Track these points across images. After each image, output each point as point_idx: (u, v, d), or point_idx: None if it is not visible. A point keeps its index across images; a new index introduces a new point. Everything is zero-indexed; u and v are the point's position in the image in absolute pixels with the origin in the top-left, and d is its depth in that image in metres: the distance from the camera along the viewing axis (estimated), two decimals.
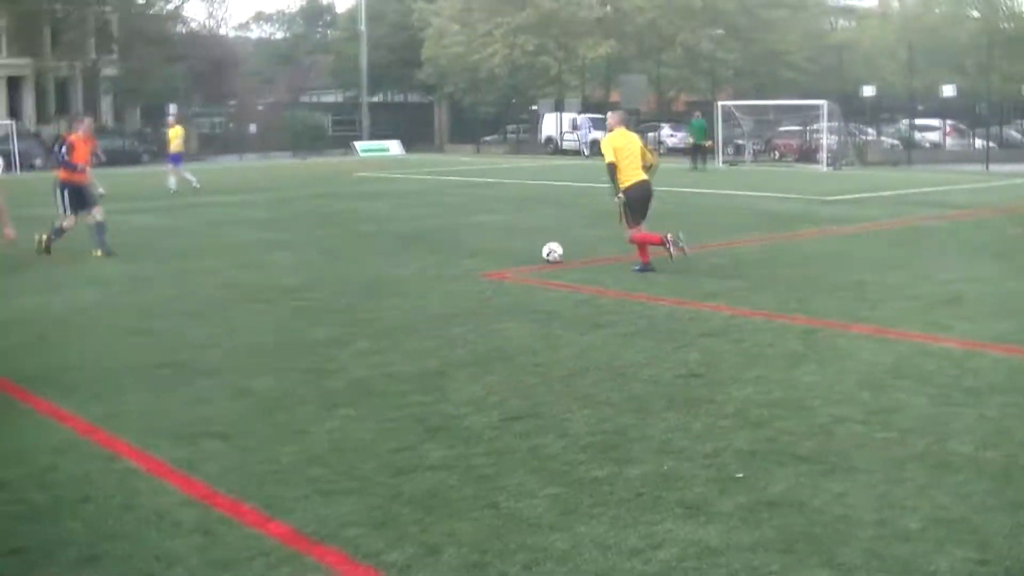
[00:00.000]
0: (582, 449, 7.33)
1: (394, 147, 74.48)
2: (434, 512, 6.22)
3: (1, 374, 9.85)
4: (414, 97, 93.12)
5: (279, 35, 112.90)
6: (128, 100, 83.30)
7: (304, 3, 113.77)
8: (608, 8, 73.61)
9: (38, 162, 63.04)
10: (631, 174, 15.54)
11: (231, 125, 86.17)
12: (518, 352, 10.37)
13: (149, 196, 33.32)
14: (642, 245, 15.67)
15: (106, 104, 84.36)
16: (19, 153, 61.21)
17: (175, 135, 35.88)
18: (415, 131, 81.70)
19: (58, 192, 18.87)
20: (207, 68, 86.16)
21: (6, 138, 65.05)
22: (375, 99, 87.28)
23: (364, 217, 25.07)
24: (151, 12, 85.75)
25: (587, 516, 6.12)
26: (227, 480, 6.82)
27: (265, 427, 7.98)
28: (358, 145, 75.18)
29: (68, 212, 18.77)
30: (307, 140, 77.42)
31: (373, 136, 77.94)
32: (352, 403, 8.59)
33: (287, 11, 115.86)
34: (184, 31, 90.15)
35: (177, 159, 35.76)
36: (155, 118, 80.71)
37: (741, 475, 6.76)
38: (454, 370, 9.67)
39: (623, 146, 15.61)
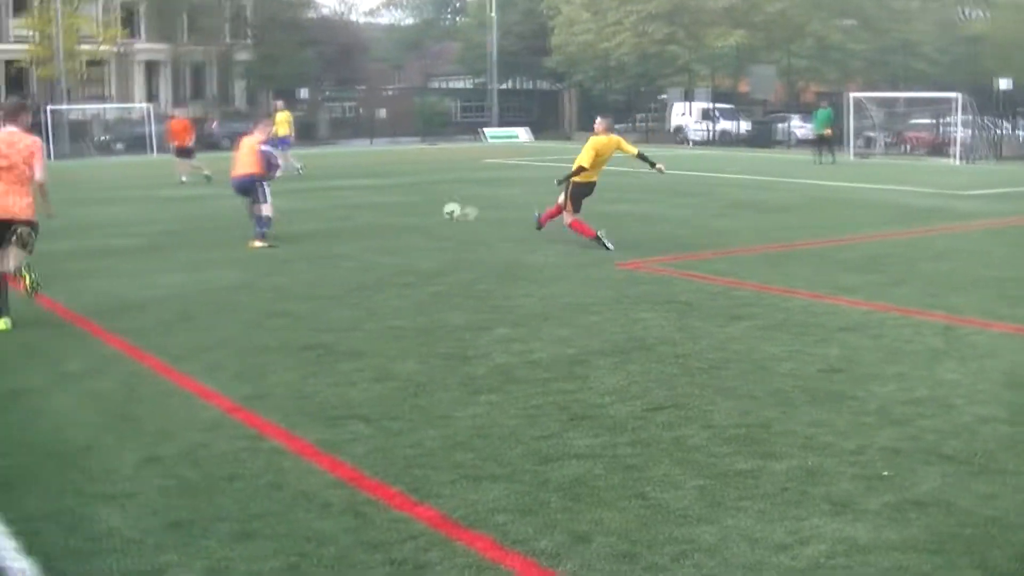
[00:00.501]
0: (726, 441, 7.28)
1: (523, 134, 74.62)
2: (581, 500, 6.21)
3: (148, 350, 10.08)
4: (543, 84, 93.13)
5: (408, 21, 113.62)
6: (261, 84, 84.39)
7: None
8: None
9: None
10: (592, 174, 17.49)
11: (361, 110, 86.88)
12: (657, 342, 10.33)
13: (280, 179, 33.71)
14: (579, 232, 17.28)
15: (239, 88, 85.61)
16: (155, 136, 62.21)
17: (283, 120, 36.11)
18: (543, 118, 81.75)
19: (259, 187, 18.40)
20: (338, 53, 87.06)
21: (143, 121, 66.37)
22: (504, 86, 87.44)
23: (495, 203, 25.12)
24: None
25: (734, 509, 6.08)
26: (373, 463, 6.89)
27: (409, 411, 8.04)
28: (487, 131, 75.41)
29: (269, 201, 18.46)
30: (436, 126, 77.85)
31: (501, 123, 78.13)
32: (494, 389, 8.62)
33: None
34: (316, 17, 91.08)
35: (285, 143, 36.01)
36: (289, 103, 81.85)
37: (887, 473, 6.66)
38: (594, 358, 9.65)
39: (601, 151, 17.32)
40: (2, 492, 6.45)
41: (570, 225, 17.49)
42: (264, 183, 18.31)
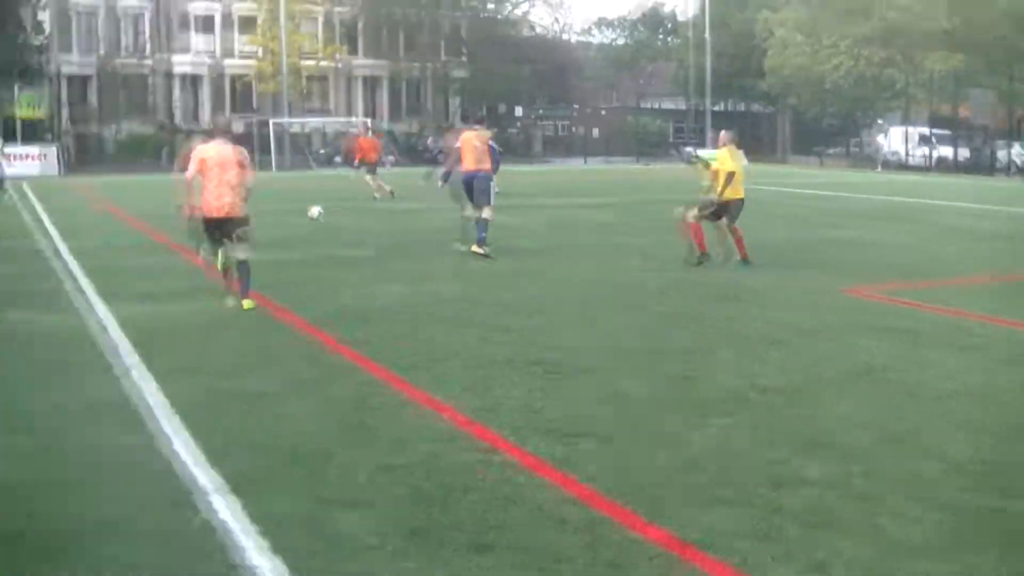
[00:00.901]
0: (963, 476, 7.07)
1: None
2: (817, 529, 6.12)
3: (378, 361, 10.29)
4: (755, 107, 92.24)
5: (620, 41, 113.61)
6: (475, 101, 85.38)
7: (646, 10, 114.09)
8: (957, 20, 71.09)
9: (391, 158, 65.22)
10: (739, 189, 17.62)
11: (574, 128, 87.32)
12: (885, 370, 10.11)
13: (506, 194, 34.09)
14: (695, 235, 17.52)
15: (454, 105, 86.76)
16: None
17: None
18: (756, 141, 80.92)
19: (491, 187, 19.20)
20: (551, 72, 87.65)
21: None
22: (716, 107, 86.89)
23: (710, 225, 24.93)
24: (500, 17, 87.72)
25: (974, 547, 5.91)
26: (606, 481, 6.89)
27: (639, 431, 8.04)
28: (701, 153, 74.96)
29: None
30: (649, 146, 77.76)
31: (712, 145, 77.60)
32: (724, 412, 8.54)
33: (628, 17, 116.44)
34: (530, 35, 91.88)
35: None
36: (501, 119, 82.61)
37: None
38: (823, 385, 9.51)
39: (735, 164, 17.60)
40: (248, 492, 6.64)
41: (690, 229, 17.63)
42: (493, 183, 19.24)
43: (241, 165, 13.51)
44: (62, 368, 10.21)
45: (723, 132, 18.28)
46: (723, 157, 17.66)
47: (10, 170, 51.72)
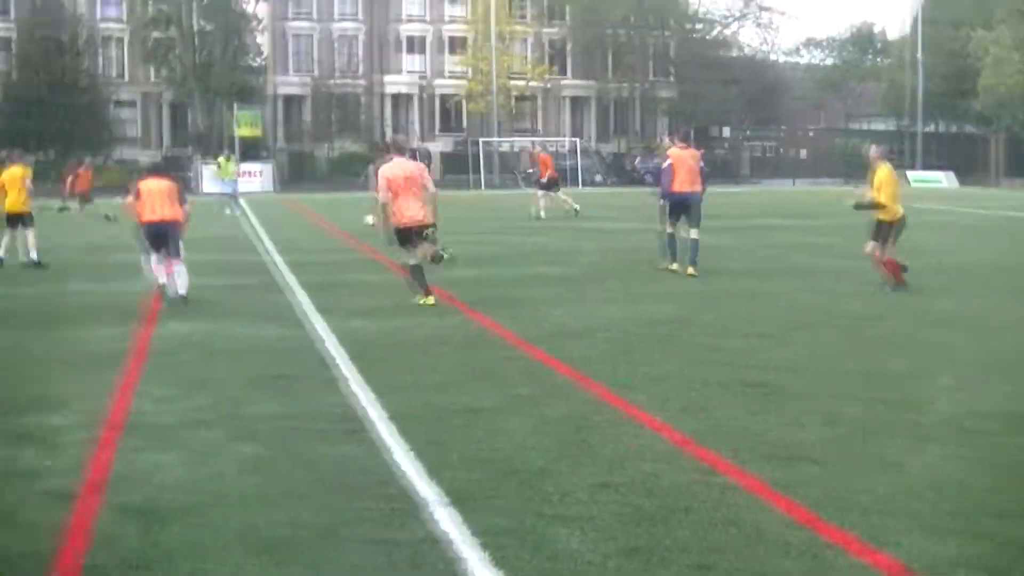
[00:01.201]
0: None
1: (946, 179, 72.24)
2: None
3: (595, 379, 10.31)
4: (967, 128, 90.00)
5: (828, 61, 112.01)
6: (681, 121, 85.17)
7: (854, 29, 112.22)
8: None
9: (598, 178, 65.56)
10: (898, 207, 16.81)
11: (781, 150, 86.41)
12: None
13: (714, 216, 33.97)
14: (886, 269, 16.73)
15: (661, 125, 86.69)
16: (581, 169, 63.80)
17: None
18: (967, 163, 78.98)
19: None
20: (758, 92, 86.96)
21: (567, 155, 68.16)
22: (927, 129, 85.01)
23: (923, 249, 24.41)
24: (708, 37, 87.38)
25: None
26: (827, 505, 6.75)
27: (859, 456, 7.86)
28: (910, 175, 73.48)
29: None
30: (858, 167, 76.40)
31: (923, 166, 75.91)
32: (944, 439, 8.30)
33: (837, 37, 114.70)
34: (737, 56, 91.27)
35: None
36: (709, 140, 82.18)
37: None
38: None
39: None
40: (467, 505, 6.70)
41: (883, 262, 16.80)
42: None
43: (423, 178, 15.29)
44: (284, 379, 10.48)
45: (873, 147, 17.76)
46: (886, 176, 16.86)
47: (232, 187, 53.45)
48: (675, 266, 18.83)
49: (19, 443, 8.22)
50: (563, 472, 7.41)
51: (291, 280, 18.34)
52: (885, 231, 16.60)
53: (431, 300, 14.97)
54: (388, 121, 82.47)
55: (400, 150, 15.97)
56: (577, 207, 34.83)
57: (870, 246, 16.72)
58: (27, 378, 10.69)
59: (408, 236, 15.10)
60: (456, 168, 73.95)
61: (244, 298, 16.37)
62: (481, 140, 70.56)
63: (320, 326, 13.52)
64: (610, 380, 10.25)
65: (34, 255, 21.01)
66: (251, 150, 72.44)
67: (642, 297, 16.12)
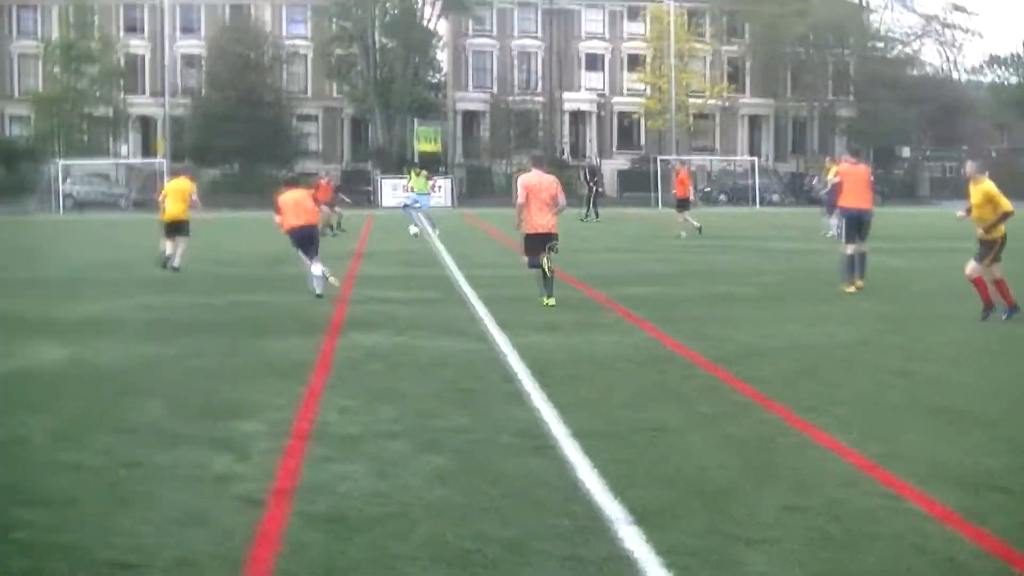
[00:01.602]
0: None
1: None
2: None
3: (777, 400, 10.21)
4: None
5: (1013, 80, 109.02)
6: (861, 141, 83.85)
7: None
8: None
9: (775, 198, 64.89)
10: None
11: (962, 170, 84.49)
12: None
13: (886, 237, 33.42)
14: (997, 289, 15.55)
15: (840, 144, 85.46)
16: (758, 188, 63.25)
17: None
18: None
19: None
20: (940, 112, 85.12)
21: (745, 174, 67.66)
22: None
23: None
24: (888, 55, 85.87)
25: None
26: (1018, 536, 6.60)
27: None
28: None
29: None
30: None
31: None
32: None
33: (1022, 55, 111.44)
34: (919, 75, 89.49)
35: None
36: (886, 160, 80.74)
37: None
38: None
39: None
40: (652, 524, 6.70)
41: (994, 282, 15.67)
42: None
43: (555, 191, 17.17)
44: (467, 392, 10.62)
45: (969, 163, 17.08)
46: (992, 190, 15.94)
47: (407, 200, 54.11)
48: (860, 283, 19.03)
49: (213, 448, 8.50)
50: (748, 493, 7.38)
51: (471, 294, 18.55)
52: (988, 250, 15.65)
53: (551, 301, 16.70)
54: (566, 137, 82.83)
55: (539, 163, 18.49)
56: (683, 233, 34.36)
57: (971, 267, 15.73)
58: (219, 386, 11.01)
59: (535, 243, 16.99)
60: (632, 185, 73.95)
61: (426, 311, 16.62)
62: (658, 158, 70.36)
63: (501, 340, 13.65)
64: (794, 401, 10.16)
65: (176, 263, 23.10)
66: (430, 165, 73.44)
67: (825, 318, 15.89)
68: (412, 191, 38.25)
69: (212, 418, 9.51)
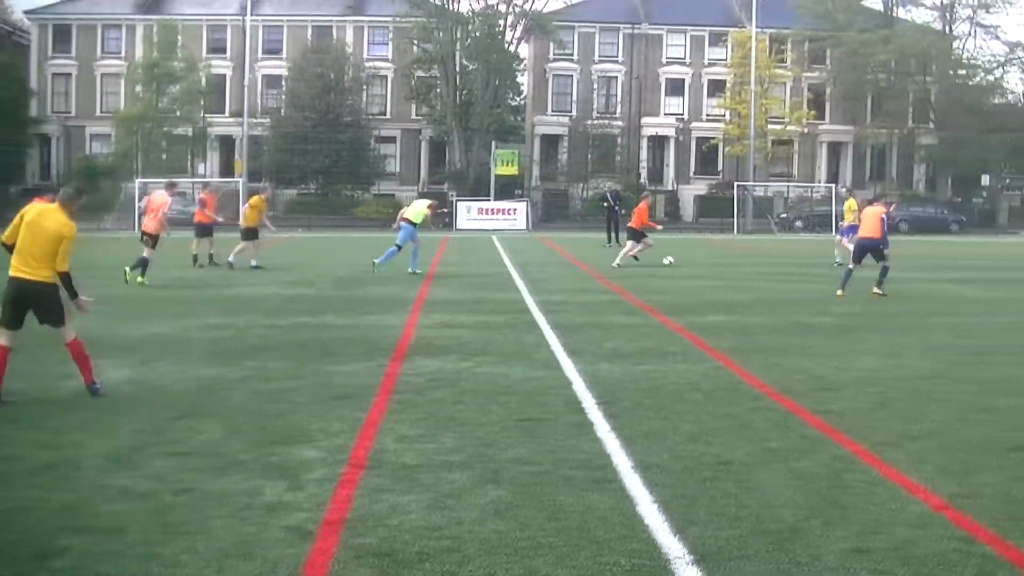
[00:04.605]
0: None
1: None
2: None
3: (849, 435, 9.92)
4: None
5: None
6: (941, 169, 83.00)
7: None
8: None
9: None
10: None
11: None
12: None
13: (964, 267, 32.93)
14: None
15: (919, 172, 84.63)
16: (836, 215, 62.45)
17: (849, 208, 34.79)
18: None
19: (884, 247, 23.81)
20: (1020, 140, 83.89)
21: (823, 201, 67.08)
22: None
23: None
24: (971, 83, 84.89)
25: None
26: None
27: None
28: None
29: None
30: None
31: None
32: None
33: None
34: (1001, 102, 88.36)
35: (849, 231, 34.59)
36: (968, 188, 79.73)
37: None
38: None
39: None
40: (713, 564, 6.50)
41: None
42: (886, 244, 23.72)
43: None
44: (531, 421, 10.41)
45: None
46: None
47: (480, 223, 54.29)
48: (840, 292, 23.23)
49: (266, 475, 8.36)
50: (814, 532, 7.13)
51: (541, 320, 18.35)
52: None
53: None
54: (644, 162, 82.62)
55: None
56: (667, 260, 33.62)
57: None
58: (279, 410, 10.88)
59: None
60: (710, 211, 73.52)
61: (494, 337, 16.43)
62: (736, 183, 69.96)
63: (568, 368, 13.46)
64: (865, 436, 9.87)
65: (232, 258, 29.29)
66: (508, 188, 73.46)
67: (901, 350, 15.53)
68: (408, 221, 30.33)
69: (268, 443, 9.38)
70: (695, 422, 10.46)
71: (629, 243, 33.17)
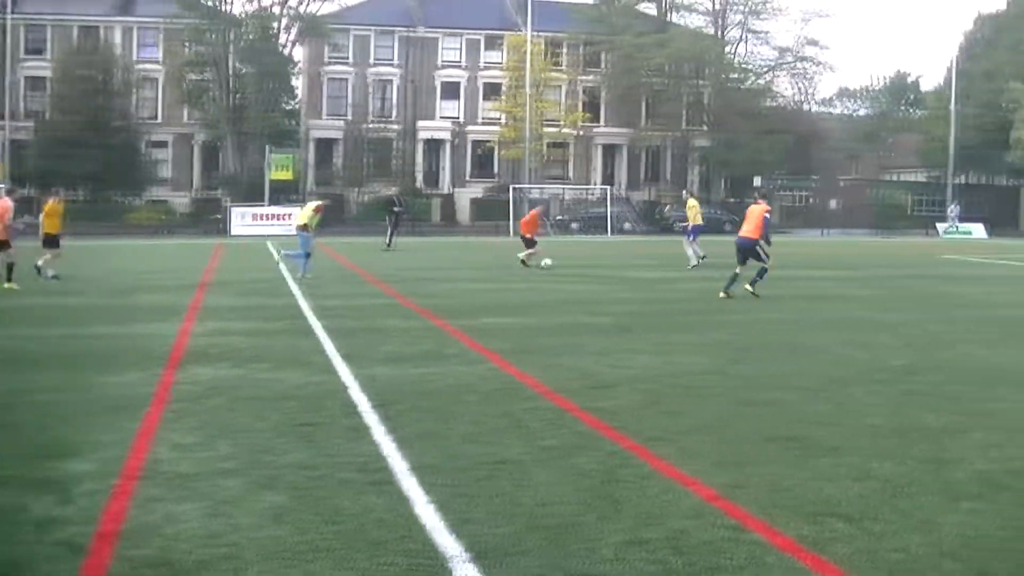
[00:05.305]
0: None
1: (977, 230, 71.87)
2: None
3: (623, 431, 10.11)
4: (999, 179, 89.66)
5: (862, 111, 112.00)
6: (715, 170, 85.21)
7: (889, 80, 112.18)
8: None
9: (627, 226, 65.51)
10: None
11: (812, 200, 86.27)
12: None
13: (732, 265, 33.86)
14: None
15: (694, 173, 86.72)
16: (611, 216, 63.78)
17: (693, 208, 35.80)
18: (1000, 215, 78.58)
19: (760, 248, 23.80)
20: (793, 142, 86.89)
21: (599, 203, 68.21)
22: (958, 180, 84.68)
23: (958, 301, 24.26)
24: (743, 86, 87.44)
25: None
26: (858, 565, 6.58)
27: (890, 513, 7.65)
28: (940, 227, 73.19)
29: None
30: (889, 219, 76.19)
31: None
32: (977, 497, 8.09)
33: (871, 88, 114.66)
34: (773, 105, 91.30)
35: (694, 231, 35.59)
36: (741, 189, 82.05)
37: None
38: None
39: None
40: (490, 561, 6.55)
41: None
42: (763, 246, 23.53)
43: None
44: (307, 426, 10.31)
45: None
46: None
47: (255, 229, 53.60)
48: (722, 295, 23.00)
49: (34, 490, 8.07)
50: (589, 526, 7.25)
51: (317, 325, 18.21)
52: None
53: None
54: (420, 166, 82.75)
55: None
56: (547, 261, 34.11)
57: None
58: (47, 423, 10.53)
59: None
60: (487, 214, 74.02)
61: (270, 343, 16.22)
62: (512, 186, 70.64)
63: (345, 372, 13.38)
64: (640, 432, 10.07)
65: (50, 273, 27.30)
66: (282, 193, 72.71)
67: (676, 348, 15.91)
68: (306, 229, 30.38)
69: (35, 458, 9.03)
70: (471, 423, 10.51)
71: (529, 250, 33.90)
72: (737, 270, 23.55)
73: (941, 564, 6.66)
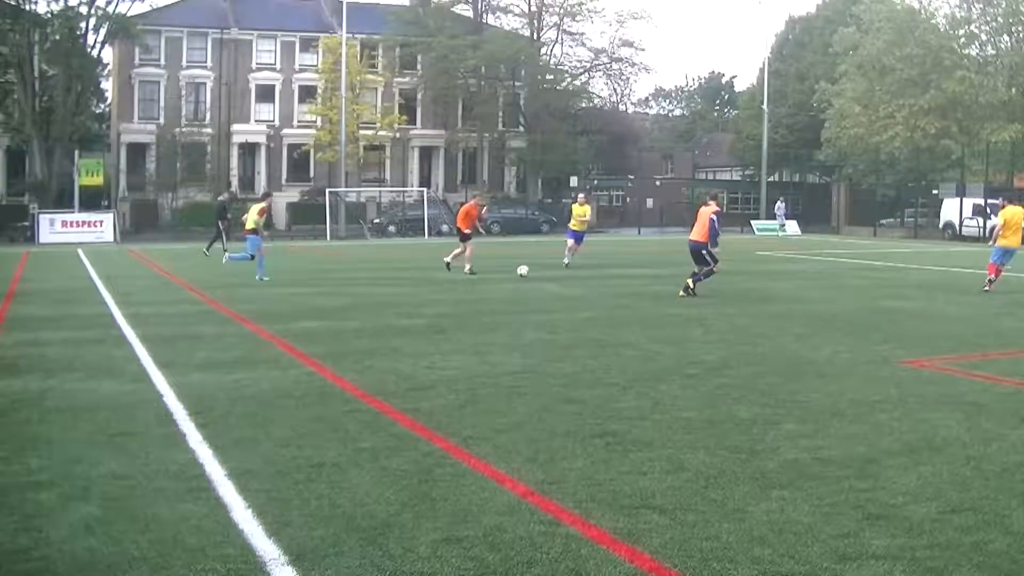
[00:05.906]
0: None
1: (790, 227, 73.79)
2: None
3: (439, 432, 10.22)
4: (811, 177, 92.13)
5: (677, 112, 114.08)
6: (531, 171, 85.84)
7: (703, 81, 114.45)
8: (1014, 91, 70.67)
9: (444, 228, 65.67)
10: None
11: (628, 199, 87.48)
12: (947, 443, 9.91)
13: (551, 265, 34.23)
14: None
15: (510, 174, 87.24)
16: (428, 218, 63.85)
17: (581, 212, 35.93)
18: (811, 211, 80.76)
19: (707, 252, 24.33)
20: (608, 143, 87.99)
21: (415, 205, 68.23)
22: (772, 178, 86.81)
23: (770, 296, 24.91)
24: (558, 88, 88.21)
25: None
26: (671, 554, 6.80)
27: (702, 503, 7.91)
28: (755, 224, 74.92)
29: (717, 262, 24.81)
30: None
31: (769, 215, 77.49)
32: (787, 485, 8.40)
33: (686, 88, 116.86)
34: (588, 106, 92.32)
35: (578, 237, 35.83)
36: (556, 190, 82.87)
37: None
38: (885, 457, 9.32)
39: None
40: (307, 563, 6.60)
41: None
42: (709, 250, 24.17)
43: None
44: (121, 436, 10.18)
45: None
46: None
47: (65, 237, 52.28)
48: (682, 293, 23.90)
49: None
50: (406, 526, 7.34)
51: (130, 333, 17.91)
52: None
53: None
54: (235, 170, 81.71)
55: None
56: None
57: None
58: None
59: None
60: (303, 218, 73.45)
61: (81, 353, 15.87)
62: (328, 190, 70.25)
63: (159, 380, 13.22)
64: (455, 432, 10.19)
65: None
66: (93, 199, 71.11)
67: (491, 348, 16.06)
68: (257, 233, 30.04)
69: None
70: (287, 427, 10.50)
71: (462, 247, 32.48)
72: (696, 270, 24.38)
73: (751, 550, 6.90)
